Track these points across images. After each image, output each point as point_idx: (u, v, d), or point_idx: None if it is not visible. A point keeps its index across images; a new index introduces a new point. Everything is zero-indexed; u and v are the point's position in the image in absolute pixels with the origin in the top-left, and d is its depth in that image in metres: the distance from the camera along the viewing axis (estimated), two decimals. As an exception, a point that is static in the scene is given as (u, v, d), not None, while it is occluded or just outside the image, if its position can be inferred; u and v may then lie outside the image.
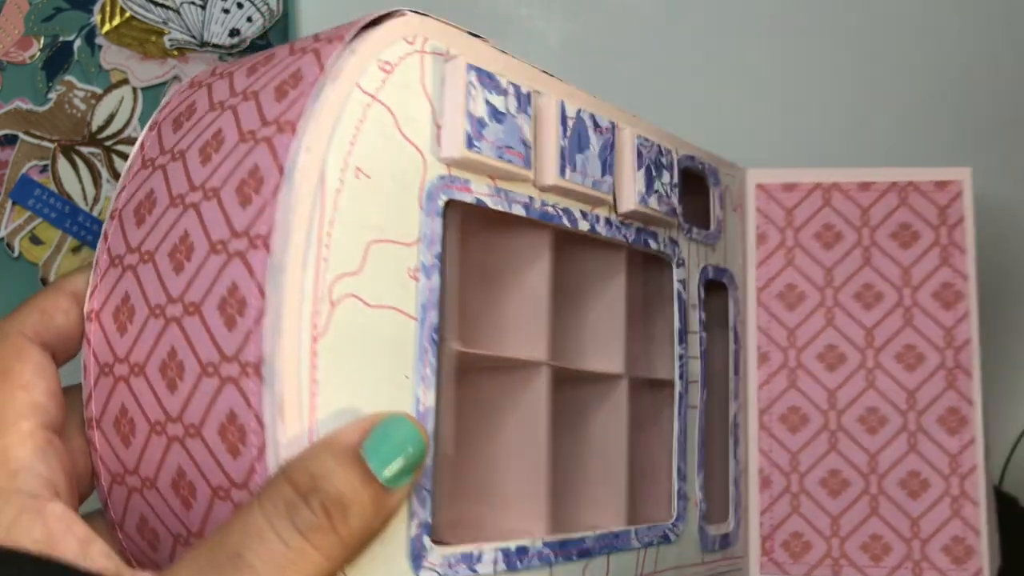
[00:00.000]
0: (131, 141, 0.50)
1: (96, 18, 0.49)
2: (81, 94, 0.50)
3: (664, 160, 0.35)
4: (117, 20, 0.49)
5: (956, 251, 0.40)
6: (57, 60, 0.49)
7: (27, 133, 0.49)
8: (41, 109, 0.50)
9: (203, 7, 0.50)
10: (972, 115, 0.55)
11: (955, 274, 0.39)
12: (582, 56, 0.56)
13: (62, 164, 0.49)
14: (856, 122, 0.55)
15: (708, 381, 0.38)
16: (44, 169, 0.49)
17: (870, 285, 0.40)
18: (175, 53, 0.50)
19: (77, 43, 0.49)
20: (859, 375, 0.40)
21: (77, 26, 0.49)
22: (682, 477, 0.35)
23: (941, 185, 0.40)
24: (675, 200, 0.35)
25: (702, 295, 0.38)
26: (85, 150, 0.50)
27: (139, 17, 0.50)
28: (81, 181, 0.50)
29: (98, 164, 0.50)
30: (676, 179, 0.36)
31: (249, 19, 0.50)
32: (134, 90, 0.50)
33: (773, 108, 0.55)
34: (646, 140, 0.34)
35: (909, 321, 0.39)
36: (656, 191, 0.34)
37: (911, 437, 0.39)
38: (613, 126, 0.33)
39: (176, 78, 0.51)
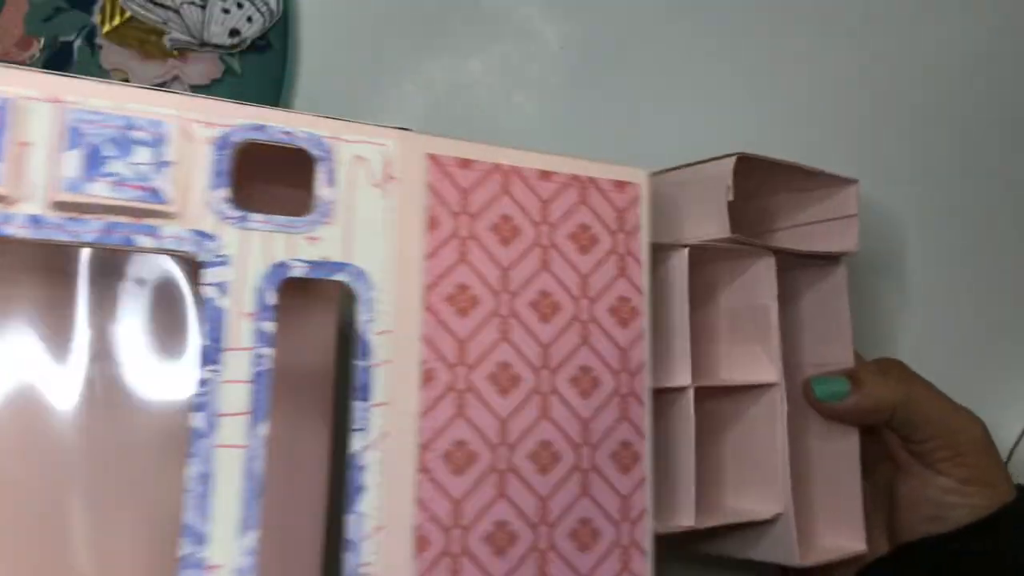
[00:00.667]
0: None
1: (96, 18, 0.49)
2: None
3: (145, 137, 0.28)
4: (117, 20, 0.49)
5: (632, 262, 0.35)
6: (57, 60, 0.49)
7: None
8: None
9: (203, 7, 0.49)
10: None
11: (631, 287, 0.35)
12: (582, 56, 0.53)
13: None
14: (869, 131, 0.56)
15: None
16: None
17: (547, 293, 0.33)
18: (175, 53, 0.49)
19: (77, 43, 0.49)
20: (534, 402, 0.32)
21: (77, 26, 0.49)
22: (195, 539, 0.28)
23: (620, 185, 0.35)
24: (163, 182, 0.28)
25: (269, 301, 0.29)
26: None
27: (139, 17, 0.49)
28: None
29: None
30: (171, 157, 0.29)
31: (249, 19, 0.49)
32: None
33: (774, 107, 0.54)
34: (96, 114, 0.28)
35: (586, 339, 0.33)
36: (113, 174, 0.28)
37: (583, 477, 0.33)
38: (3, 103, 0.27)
39: (176, 78, 0.49)
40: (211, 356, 0.28)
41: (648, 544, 0.33)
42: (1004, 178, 0.57)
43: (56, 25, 0.49)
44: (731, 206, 0.39)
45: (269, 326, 0.29)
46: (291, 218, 0.30)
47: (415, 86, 0.52)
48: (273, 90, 0.50)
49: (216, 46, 0.49)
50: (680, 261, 0.38)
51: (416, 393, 0.30)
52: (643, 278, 0.35)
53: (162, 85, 0.49)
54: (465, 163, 0.32)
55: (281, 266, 0.30)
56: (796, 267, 0.45)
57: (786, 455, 0.40)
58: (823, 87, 0.55)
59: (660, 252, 0.39)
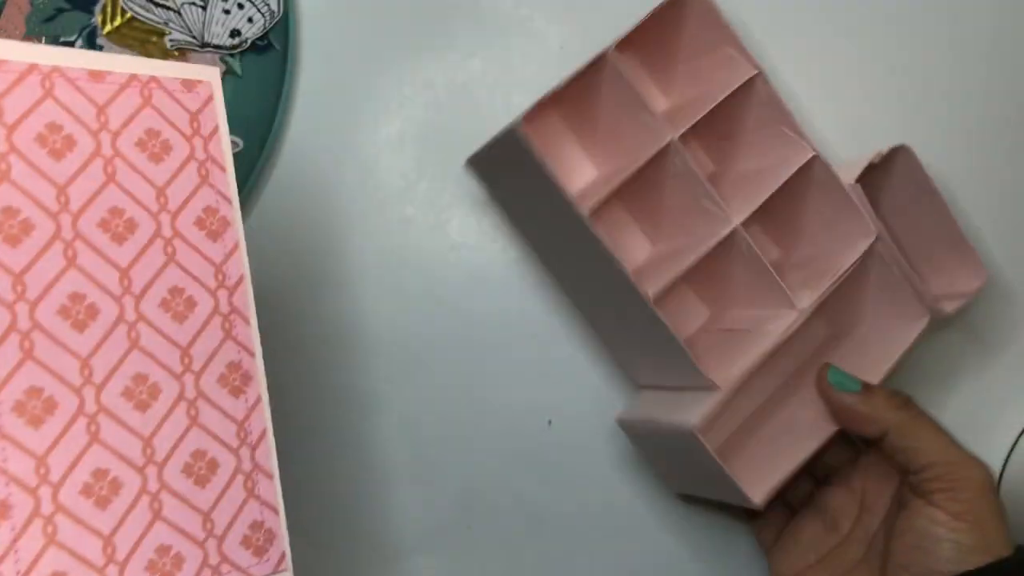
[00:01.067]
0: None
1: (97, 19, 0.49)
2: None
3: None
4: (118, 21, 0.49)
5: (215, 168, 0.32)
6: None
7: None
8: None
9: (204, 8, 0.49)
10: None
11: (218, 196, 0.32)
12: (582, 56, 0.49)
13: None
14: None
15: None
16: None
17: (118, 210, 0.29)
18: (176, 54, 0.49)
19: (78, 44, 0.49)
20: (119, 333, 0.28)
21: (78, 27, 0.49)
22: None
23: (189, 85, 0.32)
24: None
25: None
26: None
27: (140, 18, 0.49)
28: None
29: None
30: None
31: (250, 20, 0.49)
32: None
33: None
34: None
35: (172, 256, 0.30)
36: None
37: (190, 407, 0.30)
38: None
39: None
40: None
41: (272, 466, 0.31)
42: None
43: (57, 25, 0.49)
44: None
45: None
46: None
47: (415, 86, 0.52)
48: (274, 91, 0.49)
49: (217, 47, 0.49)
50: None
51: (-33, 347, 0.25)
52: (229, 185, 0.32)
53: None
54: (-9, 65, 0.27)
55: None
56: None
57: None
58: (835, 83, 0.55)
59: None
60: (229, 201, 0.32)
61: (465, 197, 0.51)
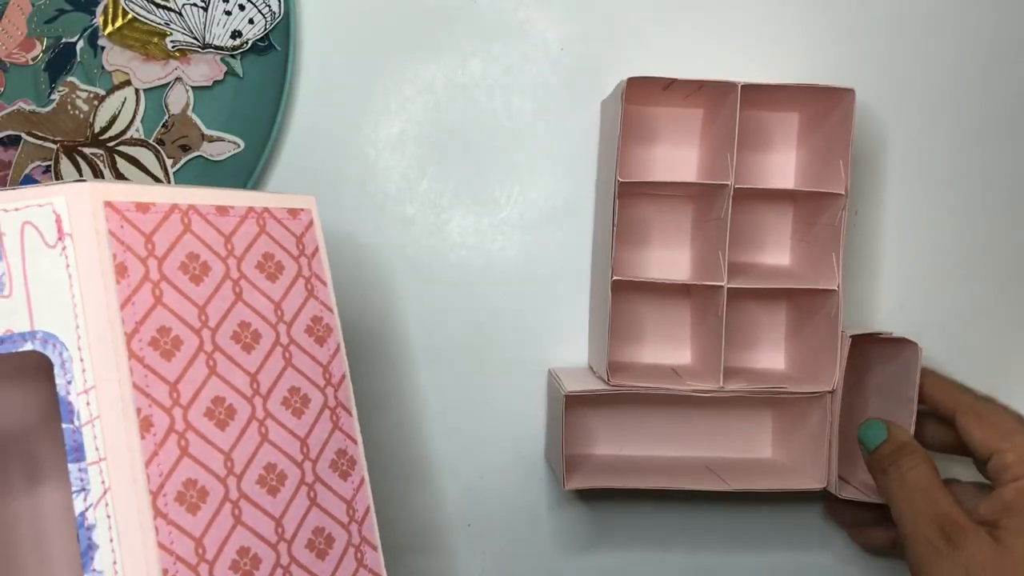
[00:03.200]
0: (133, 142, 0.50)
1: (98, 20, 0.49)
2: (84, 95, 0.50)
3: None
4: (119, 22, 0.49)
5: (319, 283, 0.37)
6: (60, 61, 0.49)
7: (30, 134, 0.49)
8: (44, 110, 0.49)
9: (205, 9, 0.49)
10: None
11: (322, 307, 0.37)
12: (582, 56, 0.52)
13: (65, 165, 0.49)
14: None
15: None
16: (47, 170, 0.50)
17: (246, 323, 0.34)
18: (177, 55, 0.49)
19: (80, 44, 0.49)
20: (252, 429, 0.33)
21: (80, 27, 0.49)
22: None
23: (293, 213, 0.37)
24: None
25: None
26: (88, 151, 0.50)
27: (141, 19, 0.49)
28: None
29: (100, 165, 0.50)
30: None
31: (251, 21, 0.49)
32: (136, 91, 0.50)
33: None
34: None
35: (289, 361, 0.35)
36: None
37: (310, 491, 0.34)
38: None
39: (179, 80, 0.49)
40: None
41: (376, 539, 0.36)
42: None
43: (59, 26, 0.49)
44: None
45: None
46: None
47: (415, 87, 0.52)
48: (274, 91, 0.49)
49: (218, 48, 0.49)
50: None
51: (137, 443, 0.30)
52: (330, 296, 0.37)
53: (164, 86, 0.50)
54: (143, 207, 0.32)
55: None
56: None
57: None
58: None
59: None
60: (331, 311, 0.37)
61: (465, 197, 0.52)
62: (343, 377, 0.37)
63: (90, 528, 0.29)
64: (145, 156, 0.50)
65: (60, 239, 0.30)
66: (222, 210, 0.35)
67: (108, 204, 0.32)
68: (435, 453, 0.51)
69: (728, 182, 0.46)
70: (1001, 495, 0.42)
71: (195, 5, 0.49)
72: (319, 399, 0.36)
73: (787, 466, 0.51)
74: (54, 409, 0.34)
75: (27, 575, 0.34)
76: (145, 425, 0.30)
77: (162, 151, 0.50)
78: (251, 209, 0.36)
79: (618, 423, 0.52)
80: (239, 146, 0.50)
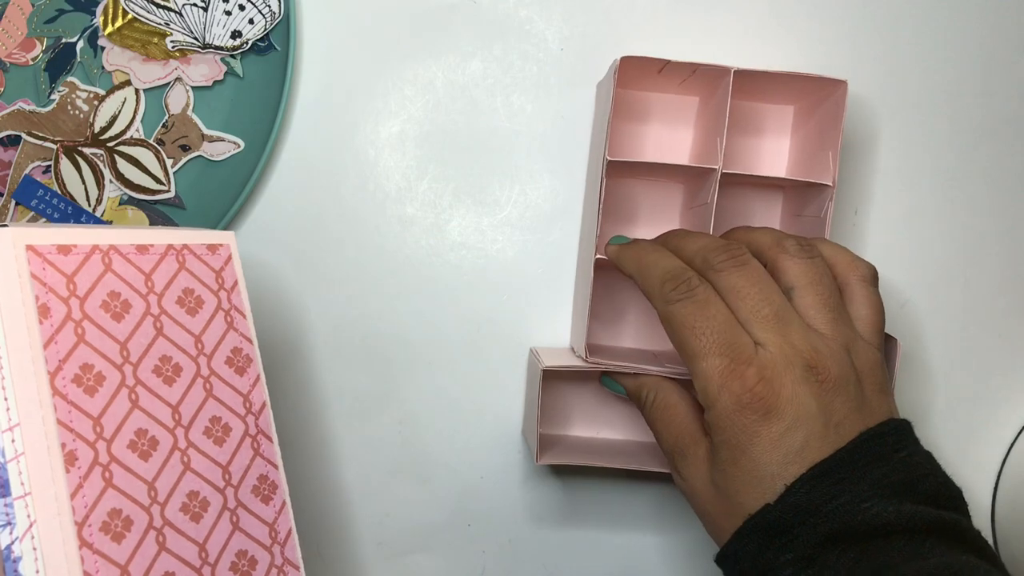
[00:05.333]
0: (133, 142, 0.50)
1: (99, 20, 0.49)
2: (84, 95, 0.50)
3: None
4: (119, 22, 0.49)
5: (238, 315, 0.39)
6: (60, 61, 0.50)
7: (30, 134, 0.49)
8: (44, 110, 0.49)
9: (205, 9, 0.49)
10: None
11: (241, 338, 0.38)
12: (582, 56, 0.51)
13: (65, 165, 0.50)
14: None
15: None
16: (47, 170, 0.50)
17: (167, 357, 0.36)
18: (177, 55, 0.50)
19: (80, 44, 0.49)
20: (174, 459, 0.35)
21: (80, 28, 0.49)
22: None
23: (212, 248, 0.38)
24: None
25: None
26: (88, 151, 0.50)
27: (141, 19, 0.49)
28: (84, 182, 0.50)
29: (100, 165, 0.50)
30: None
31: (251, 21, 0.49)
32: (136, 91, 0.50)
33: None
34: None
35: (210, 392, 0.37)
36: None
37: (232, 516, 0.36)
38: None
39: (179, 80, 0.50)
40: None
41: (298, 559, 0.38)
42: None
43: (59, 26, 0.49)
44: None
45: None
46: None
47: (415, 87, 0.52)
48: (275, 91, 0.49)
49: (218, 48, 0.49)
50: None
51: (62, 477, 0.31)
52: (250, 328, 0.39)
53: (164, 86, 0.50)
54: (64, 248, 0.34)
55: None
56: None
57: None
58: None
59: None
60: (251, 342, 0.39)
61: (465, 197, 0.52)
62: (263, 405, 0.38)
63: (16, 560, 0.30)
64: (145, 156, 0.50)
65: (-18, 282, 0.32)
66: (142, 248, 0.36)
67: (30, 247, 0.33)
68: (435, 453, 0.52)
69: (716, 166, 0.46)
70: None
71: (195, 5, 0.49)
72: (240, 427, 0.37)
73: None
74: None
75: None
76: (70, 459, 0.32)
77: (162, 151, 0.50)
78: (170, 247, 0.37)
79: (596, 405, 0.53)
80: (239, 146, 0.50)
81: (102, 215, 0.50)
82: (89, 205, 0.50)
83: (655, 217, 0.52)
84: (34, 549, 0.30)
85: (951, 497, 0.39)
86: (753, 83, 0.48)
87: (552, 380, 0.52)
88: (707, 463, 0.41)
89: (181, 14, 0.49)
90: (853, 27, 0.54)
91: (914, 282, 0.54)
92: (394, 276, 0.52)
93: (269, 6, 0.49)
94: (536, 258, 0.52)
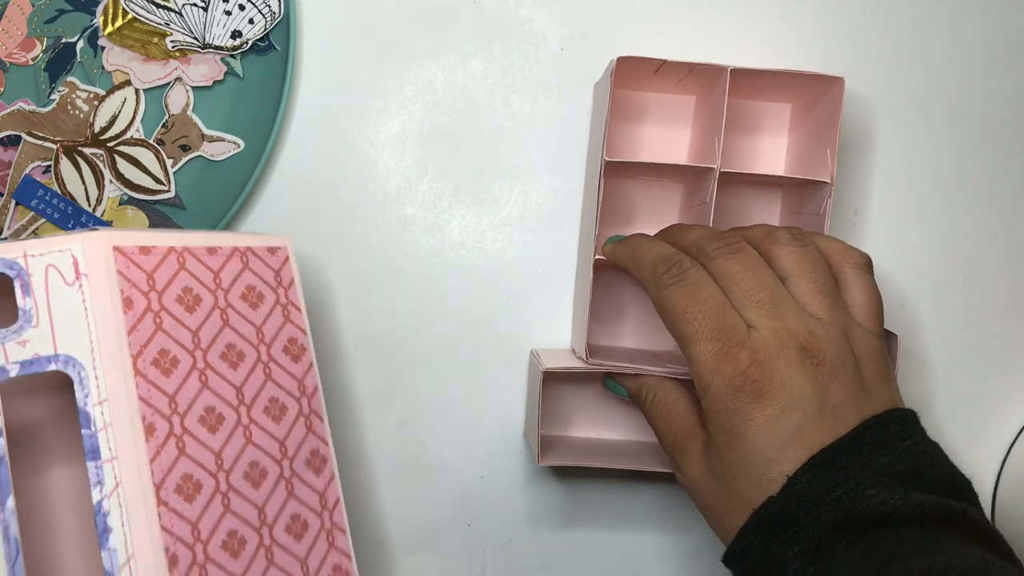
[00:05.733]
0: (133, 142, 0.50)
1: (99, 20, 0.49)
2: (84, 95, 0.50)
3: None
4: (119, 22, 0.49)
5: (294, 309, 0.44)
6: (60, 61, 0.50)
7: (30, 134, 0.50)
8: (44, 110, 0.50)
9: (205, 9, 0.49)
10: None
11: (296, 329, 0.43)
12: (582, 56, 0.51)
13: (65, 165, 0.50)
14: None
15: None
16: (47, 170, 0.50)
17: (232, 345, 0.41)
18: (177, 55, 0.50)
19: (80, 44, 0.50)
20: (238, 432, 0.40)
21: (80, 28, 0.50)
22: None
23: (272, 251, 0.44)
24: None
25: None
26: (88, 151, 0.50)
27: (141, 19, 0.49)
28: (84, 182, 0.50)
29: (101, 165, 0.50)
30: None
31: (251, 21, 0.49)
32: (136, 91, 0.50)
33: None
34: None
35: (269, 375, 0.42)
36: None
37: (288, 484, 0.41)
38: None
39: (179, 80, 0.50)
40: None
41: (344, 524, 0.42)
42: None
43: (59, 26, 0.49)
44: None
45: (-1, 421, 0.35)
46: (1, 329, 0.35)
47: (415, 87, 0.52)
48: (274, 91, 0.49)
49: (218, 48, 0.49)
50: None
51: (142, 445, 0.37)
52: (304, 320, 0.44)
53: (164, 86, 0.50)
54: (145, 250, 0.39)
55: (0, 370, 0.35)
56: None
57: None
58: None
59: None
60: (305, 332, 0.44)
61: (465, 197, 0.52)
62: (315, 388, 0.43)
63: (105, 514, 0.36)
64: (145, 156, 0.50)
65: (77, 278, 0.37)
66: (211, 250, 0.41)
67: (116, 248, 0.38)
68: (435, 453, 0.52)
69: (714, 165, 0.46)
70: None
71: (195, 5, 0.49)
72: (295, 407, 0.42)
73: None
74: (66, 415, 0.40)
75: (62, 538, 0.40)
76: (149, 430, 0.37)
77: (162, 151, 0.50)
78: (236, 248, 0.42)
79: (597, 406, 0.53)
80: (239, 146, 0.50)
81: (102, 215, 0.50)
82: (89, 205, 0.50)
83: (654, 217, 0.53)
84: (120, 505, 0.36)
85: (960, 487, 0.38)
86: (750, 81, 0.49)
87: (553, 382, 0.52)
88: (705, 455, 0.41)
89: (181, 14, 0.49)
90: (852, 25, 0.53)
91: (914, 282, 0.54)
92: (394, 276, 0.52)
93: (269, 6, 0.49)
94: (536, 258, 0.53)
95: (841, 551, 0.35)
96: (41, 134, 0.50)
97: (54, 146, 0.50)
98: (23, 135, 0.49)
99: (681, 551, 0.54)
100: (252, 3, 0.49)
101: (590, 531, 0.54)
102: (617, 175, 0.51)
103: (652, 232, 0.49)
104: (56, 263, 0.37)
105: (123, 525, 0.36)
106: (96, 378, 0.37)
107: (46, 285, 0.37)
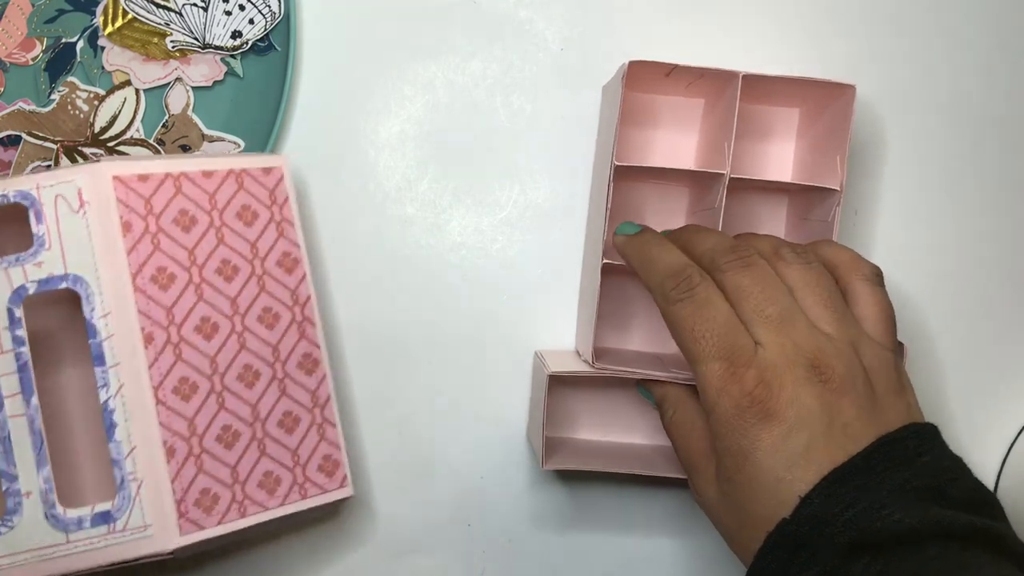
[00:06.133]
0: (134, 142, 0.51)
1: (99, 20, 0.50)
2: (84, 95, 0.50)
3: None
4: (119, 22, 0.49)
5: (287, 225, 0.48)
6: (60, 61, 0.50)
7: (30, 134, 0.50)
8: (44, 110, 0.50)
9: (205, 9, 0.49)
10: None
11: (290, 244, 0.48)
12: (582, 56, 0.51)
13: (65, 165, 0.50)
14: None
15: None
16: (47, 170, 0.47)
17: (227, 260, 0.45)
18: (177, 55, 0.50)
19: (80, 44, 0.50)
20: (232, 339, 0.45)
21: (80, 28, 0.50)
22: (10, 479, 0.41)
23: (266, 171, 0.47)
24: None
25: (16, 314, 0.41)
26: (88, 151, 0.50)
27: (141, 19, 0.49)
28: None
29: None
30: None
31: (251, 21, 0.49)
32: (136, 91, 0.51)
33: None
34: None
35: (263, 287, 0.46)
36: None
37: (280, 384, 0.46)
38: None
39: (179, 80, 0.50)
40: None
41: (335, 418, 0.47)
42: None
43: (59, 26, 0.49)
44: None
45: (21, 332, 0.41)
46: (19, 253, 0.41)
47: (415, 87, 0.52)
48: (275, 91, 0.50)
49: (218, 48, 0.49)
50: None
51: (142, 352, 0.42)
52: (298, 235, 0.48)
53: (164, 86, 0.50)
54: (143, 177, 0.44)
55: (21, 288, 0.41)
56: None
57: None
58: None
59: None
60: (298, 246, 0.48)
61: (465, 197, 0.52)
62: (308, 298, 0.48)
63: (111, 412, 0.42)
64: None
65: (82, 206, 0.42)
66: (207, 174, 0.46)
67: (116, 177, 0.43)
68: (435, 453, 0.52)
69: (724, 171, 0.47)
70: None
71: (195, 5, 0.49)
72: (288, 315, 0.47)
73: None
74: (78, 323, 0.45)
75: (76, 431, 0.47)
76: (147, 339, 0.42)
77: (162, 151, 0.51)
78: (231, 171, 0.46)
79: (602, 409, 0.53)
80: (239, 146, 0.51)
81: None
82: None
83: (660, 220, 0.53)
84: (123, 404, 0.42)
85: (985, 502, 0.37)
86: (760, 87, 0.48)
87: (557, 384, 0.52)
88: (716, 477, 0.40)
89: (181, 14, 0.49)
90: (858, 29, 0.53)
91: (914, 282, 0.54)
92: (394, 276, 0.52)
93: (269, 6, 0.49)
94: (536, 258, 0.53)
95: (858, 572, 0.34)
96: (41, 134, 0.50)
97: (54, 146, 0.50)
98: (23, 135, 0.50)
99: (684, 552, 0.54)
100: (252, 3, 0.49)
101: (591, 532, 0.54)
102: (626, 178, 0.51)
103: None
104: (63, 193, 0.42)
105: (126, 421, 0.42)
106: (100, 294, 0.42)
107: (56, 213, 0.42)
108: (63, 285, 0.42)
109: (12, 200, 0.42)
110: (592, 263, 0.49)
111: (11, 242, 0.43)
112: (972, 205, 0.54)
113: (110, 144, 0.50)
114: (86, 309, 0.42)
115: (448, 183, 0.53)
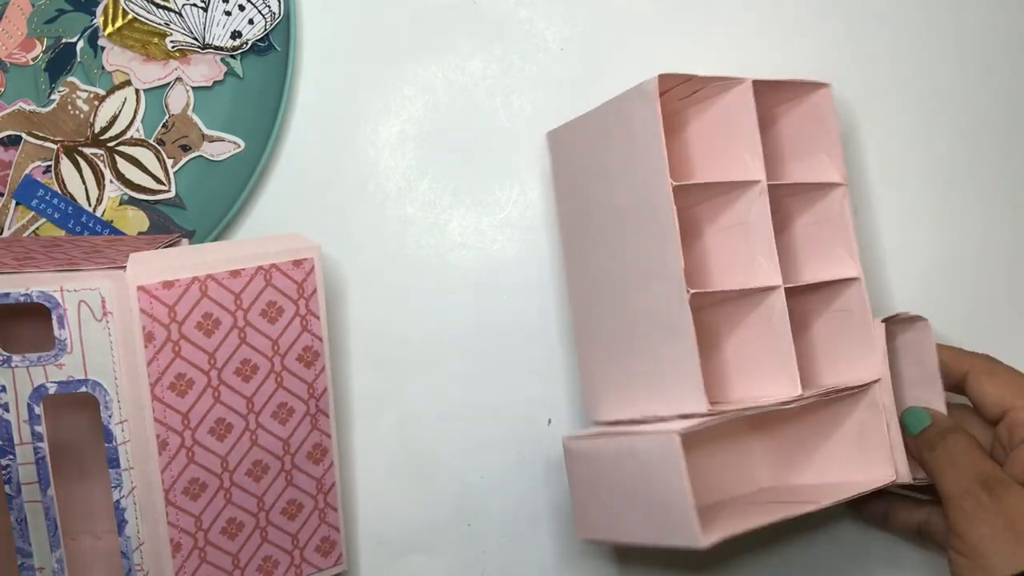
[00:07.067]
0: (134, 142, 0.51)
1: (99, 20, 0.50)
2: (84, 95, 0.50)
3: None
4: (119, 22, 0.49)
5: (312, 318, 0.47)
6: (60, 62, 0.50)
7: (30, 134, 0.50)
8: (44, 110, 0.50)
9: (205, 9, 0.49)
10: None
11: (313, 337, 0.47)
12: (582, 56, 0.52)
13: (65, 165, 0.50)
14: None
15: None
16: (47, 170, 0.50)
17: (247, 360, 0.45)
18: (177, 55, 0.50)
19: (80, 45, 0.50)
20: (245, 437, 0.46)
21: (80, 28, 0.50)
22: (25, 554, 0.42)
23: (297, 263, 0.46)
24: None
25: (37, 411, 0.41)
26: (88, 151, 0.50)
27: (141, 19, 0.49)
28: (84, 182, 0.50)
29: (101, 165, 0.50)
30: None
31: (251, 21, 0.49)
32: (136, 91, 0.51)
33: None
34: None
35: (280, 384, 0.46)
36: None
37: (288, 475, 0.47)
38: None
39: (179, 80, 0.50)
40: (7, 451, 0.41)
41: (338, 503, 0.49)
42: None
43: (59, 26, 0.50)
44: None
45: (39, 428, 0.41)
46: (41, 353, 0.41)
47: (415, 87, 0.52)
48: (275, 91, 0.50)
49: (218, 48, 0.49)
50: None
51: (155, 457, 0.43)
52: (323, 327, 0.47)
53: (164, 86, 0.51)
54: (168, 284, 0.42)
55: (41, 387, 0.41)
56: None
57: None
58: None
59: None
60: (321, 340, 0.47)
61: (465, 197, 0.52)
62: (324, 390, 0.48)
63: (123, 510, 0.43)
64: (145, 156, 0.51)
65: (105, 315, 0.41)
66: (235, 273, 0.44)
67: (140, 287, 0.42)
68: (435, 453, 0.52)
69: (760, 179, 0.46)
70: (1020, 455, 0.45)
71: (195, 5, 0.49)
72: (302, 409, 0.47)
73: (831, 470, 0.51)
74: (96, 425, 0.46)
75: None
76: (162, 445, 0.43)
77: (162, 151, 0.50)
78: (260, 268, 0.45)
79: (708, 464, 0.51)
80: (239, 146, 0.51)
81: (102, 215, 0.51)
82: (89, 205, 0.50)
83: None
84: (134, 504, 0.43)
85: None
86: (765, 92, 0.47)
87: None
88: None
89: (181, 14, 0.49)
90: (844, 24, 0.53)
91: (914, 282, 0.54)
92: (394, 276, 0.52)
93: (269, 6, 0.49)
94: (536, 258, 0.52)
95: None
96: (41, 134, 0.50)
97: (54, 146, 0.50)
98: (23, 135, 0.50)
99: (682, 553, 0.53)
100: (252, 3, 0.49)
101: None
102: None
103: None
104: (87, 299, 0.41)
105: (136, 519, 0.43)
106: (118, 402, 0.42)
107: (79, 319, 0.41)
108: (83, 389, 0.42)
109: (35, 300, 0.41)
110: (647, 304, 0.45)
111: (26, 337, 0.43)
112: (971, 205, 0.55)
113: (110, 144, 0.50)
114: (104, 415, 0.42)
115: (448, 183, 0.53)
